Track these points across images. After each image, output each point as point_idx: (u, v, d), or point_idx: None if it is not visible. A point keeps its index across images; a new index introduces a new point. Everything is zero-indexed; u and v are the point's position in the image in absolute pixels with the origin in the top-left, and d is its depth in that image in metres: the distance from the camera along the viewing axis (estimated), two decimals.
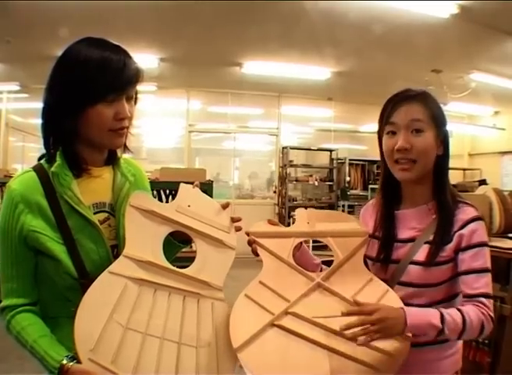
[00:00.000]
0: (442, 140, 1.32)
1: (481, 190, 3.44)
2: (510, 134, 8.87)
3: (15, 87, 7.54)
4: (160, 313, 1.08)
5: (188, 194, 1.28)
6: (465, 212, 1.28)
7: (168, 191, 3.96)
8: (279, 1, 4.42)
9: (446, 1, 4.37)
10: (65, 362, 0.99)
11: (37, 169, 1.14)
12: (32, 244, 1.09)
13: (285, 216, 8.29)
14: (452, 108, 7.39)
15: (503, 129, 8.95)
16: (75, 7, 4.42)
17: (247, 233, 1.30)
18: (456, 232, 1.26)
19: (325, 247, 1.37)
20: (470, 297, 1.21)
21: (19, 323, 1.08)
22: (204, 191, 1.32)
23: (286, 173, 8.62)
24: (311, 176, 8.91)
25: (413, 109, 1.28)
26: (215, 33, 5.46)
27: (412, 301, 1.26)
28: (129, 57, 1.13)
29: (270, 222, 1.36)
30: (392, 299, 1.22)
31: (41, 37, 5.20)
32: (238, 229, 1.28)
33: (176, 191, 1.27)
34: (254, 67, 6.77)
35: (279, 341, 1.11)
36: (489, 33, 5.01)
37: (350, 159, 8.94)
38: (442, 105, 1.36)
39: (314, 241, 1.49)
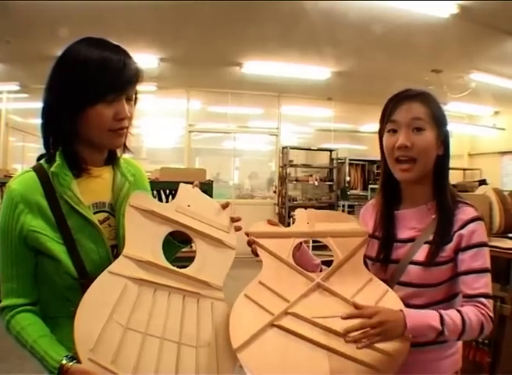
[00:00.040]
0: (443, 140, 1.32)
1: (481, 190, 3.44)
2: (510, 134, 8.87)
3: (15, 87, 7.54)
4: (160, 313, 1.08)
5: (188, 194, 1.28)
6: (465, 213, 1.28)
7: (168, 191, 3.96)
8: (278, 1, 4.42)
9: (446, 1, 4.37)
10: (64, 362, 0.99)
11: (37, 169, 1.14)
12: (32, 244, 1.09)
13: (285, 215, 8.29)
14: (452, 108, 7.39)
15: (503, 129, 8.95)
16: (75, 7, 4.42)
17: (247, 234, 1.30)
18: (455, 232, 1.26)
19: (324, 247, 1.37)
20: (469, 297, 1.21)
21: (19, 323, 1.08)
22: (204, 191, 1.32)
23: (286, 172, 8.62)
24: (311, 176, 8.92)
25: (414, 108, 1.29)
26: (215, 33, 5.46)
27: (412, 301, 1.26)
28: (129, 57, 1.13)
29: (270, 222, 1.36)
30: (392, 299, 1.22)
31: (41, 37, 5.20)
32: (238, 229, 1.28)
33: (176, 191, 1.27)
34: (254, 67, 6.77)
35: (279, 341, 1.11)
36: (489, 33, 5.01)
37: (350, 159, 8.94)
38: (442, 105, 1.36)
39: (314, 241, 1.49)
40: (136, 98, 1.18)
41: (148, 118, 7.99)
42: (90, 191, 1.17)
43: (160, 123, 8.73)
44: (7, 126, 8.29)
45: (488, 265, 1.24)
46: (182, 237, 1.25)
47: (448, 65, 6.13)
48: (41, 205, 1.09)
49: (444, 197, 1.31)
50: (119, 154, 1.26)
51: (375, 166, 8.84)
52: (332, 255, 1.32)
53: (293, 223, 1.40)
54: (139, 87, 1.17)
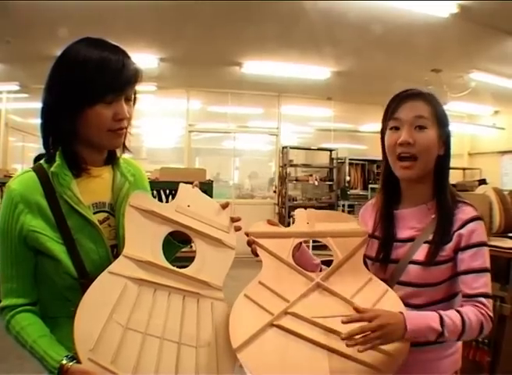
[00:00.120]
0: (445, 140, 1.33)
1: (481, 189, 3.44)
2: (510, 134, 8.86)
3: (15, 87, 7.53)
4: (160, 313, 1.08)
5: (188, 194, 1.28)
6: (464, 212, 1.28)
7: (168, 191, 3.96)
8: (278, 1, 4.42)
9: (446, 1, 4.37)
10: (64, 362, 0.99)
11: (37, 169, 1.14)
12: (32, 244, 1.09)
13: (285, 215, 8.29)
14: (452, 108, 7.38)
15: (503, 128, 8.95)
16: (75, 7, 4.42)
17: (247, 234, 1.30)
18: (455, 232, 1.26)
19: (324, 247, 1.37)
20: (469, 297, 1.21)
21: (19, 323, 1.08)
22: (204, 191, 1.32)
23: (286, 172, 8.62)
24: (310, 175, 8.92)
25: (418, 106, 1.29)
26: (215, 33, 5.46)
27: (411, 300, 1.26)
28: (128, 57, 1.13)
29: (269, 222, 1.36)
30: (391, 299, 1.22)
31: (41, 37, 5.20)
32: (238, 229, 1.28)
33: (176, 191, 1.27)
34: (254, 67, 6.77)
35: (279, 341, 1.12)
36: (489, 32, 5.01)
37: (349, 159, 8.95)
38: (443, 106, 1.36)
39: (313, 241, 1.49)
40: (135, 98, 1.18)
41: (148, 118, 7.99)
42: (90, 191, 1.17)
43: (160, 123, 8.72)
44: (7, 126, 8.29)
45: (487, 264, 1.24)
46: (182, 237, 1.25)
47: (448, 64, 6.13)
48: (41, 205, 1.09)
49: (444, 196, 1.31)
50: (118, 154, 1.26)
51: (375, 165, 8.85)
52: (331, 255, 1.32)
53: (293, 222, 1.40)
54: (138, 88, 1.18)
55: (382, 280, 1.28)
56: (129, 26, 4.98)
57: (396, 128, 1.31)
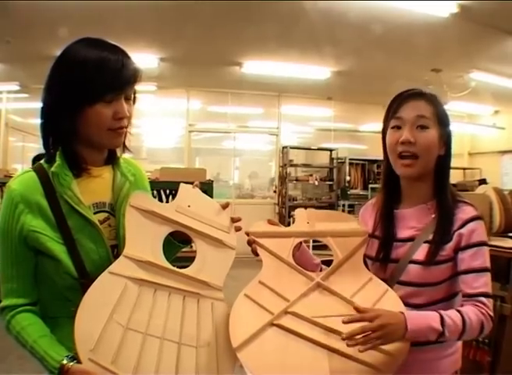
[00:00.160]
0: (446, 140, 1.33)
1: (481, 189, 3.44)
2: (510, 133, 8.86)
3: (15, 87, 7.53)
4: (160, 313, 1.08)
5: (188, 194, 1.28)
6: (464, 212, 1.28)
7: (168, 191, 3.97)
8: (278, 1, 4.42)
9: (446, 1, 4.37)
10: (65, 362, 1.00)
11: (37, 169, 1.14)
12: (32, 244, 1.09)
13: (285, 215, 8.29)
14: (452, 108, 7.37)
15: (503, 128, 8.95)
16: (75, 7, 4.42)
17: (247, 233, 1.30)
18: (455, 231, 1.26)
19: (324, 247, 1.37)
20: (469, 296, 1.21)
21: (19, 323, 1.08)
22: (205, 191, 1.32)
23: (286, 172, 8.62)
24: (311, 175, 8.92)
25: (420, 106, 1.30)
26: (215, 33, 5.46)
27: (411, 300, 1.26)
28: (128, 57, 1.13)
29: (270, 222, 1.36)
30: (391, 299, 1.22)
31: (41, 37, 5.20)
32: (238, 229, 1.28)
33: (176, 191, 1.27)
34: (254, 67, 6.77)
35: (279, 340, 1.12)
36: (489, 32, 5.01)
37: (350, 159, 8.95)
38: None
39: (314, 241, 1.49)
40: (134, 98, 1.18)
41: (148, 118, 8.00)
42: (90, 190, 1.17)
43: (160, 122, 8.73)
44: (7, 126, 8.29)
45: (487, 264, 1.24)
46: (182, 237, 1.25)
47: (448, 64, 6.13)
48: (41, 205, 1.09)
49: (444, 196, 1.31)
50: (118, 154, 1.26)
51: (375, 165, 8.85)
52: (331, 255, 1.32)
53: (293, 222, 1.40)
54: (138, 87, 1.18)
55: (382, 279, 1.28)
56: (129, 26, 4.98)
57: (398, 127, 1.31)
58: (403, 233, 1.33)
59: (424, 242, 1.28)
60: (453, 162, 1.37)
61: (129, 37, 4.77)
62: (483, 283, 1.22)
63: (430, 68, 6.30)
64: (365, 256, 1.36)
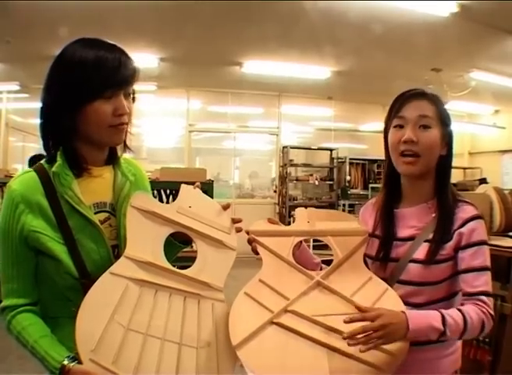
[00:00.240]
0: (447, 141, 1.33)
1: (481, 189, 3.44)
2: (511, 133, 8.86)
3: (15, 87, 7.53)
4: (161, 314, 1.08)
5: (189, 195, 1.28)
6: (465, 211, 1.28)
7: (168, 191, 3.97)
8: (278, 1, 4.42)
9: (446, 0, 4.37)
10: (66, 362, 1.00)
11: (38, 169, 1.14)
12: (32, 245, 1.09)
13: (285, 215, 8.29)
14: (452, 107, 7.37)
15: (503, 127, 8.95)
16: (75, 7, 4.42)
17: (247, 232, 1.31)
18: (455, 230, 1.26)
19: (325, 246, 1.37)
20: (470, 295, 1.22)
21: (20, 323, 1.08)
22: (205, 191, 1.32)
23: (286, 172, 8.62)
24: (311, 175, 8.91)
25: (422, 105, 1.30)
26: (215, 33, 5.46)
27: (412, 299, 1.26)
28: (126, 55, 1.13)
29: (270, 220, 1.37)
30: (391, 298, 1.22)
31: (41, 37, 5.20)
32: (239, 230, 1.28)
33: (177, 191, 1.28)
34: (254, 66, 6.77)
35: (278, 338, 1.12)
36: (489, 31, 5.01)
37: (350, 158, 8.94)
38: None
39: (314, 241, 1.49)
40: (134, 98, 1.18)
41: (148, 118, 8.00)
42: (91, 190, 1.17)
43: (160, 122, 8.72)
44: (7, 126, 8.29)
45: (488, 263, 1.24)
46: (183, 238, 1.26)
47: (448, 63, 6.13)
48: (42, 205, 1.09)
49: (445, 195, 1.32)
50: (119, 153, 1.26)
51: (376, 165, 8.85)
52: (332, 255, 1.33)
53: (294, 222, 1.40)
54: (138, 87, 1.18)
55: (382, 278, 1.29)
56: (129, 26, 4.98)
57: (401, 126, 1.31)
58: (403, 232, 1.33)
59: (425, 241, 1.28)
60: (454, 162, 1.38)
61: (129, 37, 4.78)
62: (483, 282, 1.22)
63: (430, 67, 6.30)
64: (365, 255, 1.36)
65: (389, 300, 1.21)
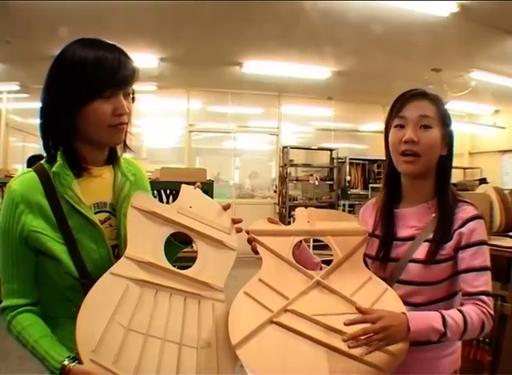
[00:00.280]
0: (448, 141, 1.34)
1: (481, 189, 3.45)
2: (511, 133, 8.86)
3: (15, 87, 7.53)
4: (161, 314, 1.08)
5: (189, 195, 1.28)
6: (465, 211, 1.28)
7: (168, 191, 3.96)
8: (278, 1, 4.42)
9: (446, 0, 4.37)
10: (66, 362, 1.00)
11: (38, 169, 1.14)
12: (33, 245, 1.09)
13: (285, 215, 8.29)
14: (452, 107, 7.36)
15: (503, 127, 8.95)
16: (75, 7, 4.42)
17: (247, 232, 1.31)
18: (455, 230, 1.26)
19: (325, 246, 1.37)
20: (470, 295, 1.22)
21: (20, 323, 1.08)
22: (205, 191, 1.32)
23: (286, 172, 8.62)
24: (311, 175, 8.91)
25: (423, 106, 1.31)
26: (215, 33, 5.46)
27: (411, 299, 1.26)
28: (125, 55, 1.13)
29: (270, 220, 1.37)
30: (391, 298, 1.22)
31: (41, 37, 5.20)
32: (239, 230, 1.28)
33: (177, 191, 1.27)
34: (254, 67, 6.77)
35: (278, 337, 1.11)
36: (489, 31, 5.01)
37: (350, 158, 8.94)
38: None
39: (314, 241, 1.49)
40: (133, 98, 1.18)
41: (148, 118, 8.00)
42: (91, 190, 1.17)
43: (160, 122, 8.72)
44: (7, 126, 8.29)
45: (488, 263, 1.24)
46: (183, 238, 1.26)
47: (448, 64, 6.13)
48: (42, 205, 1.09)
49: (445, 195, 1.32)
50: (119, 153, 1.26)
51: (376, 165, 8.85)
52: (332, 255, 1.33)
53: (294, 221, 1.40)
54: (138, 87, 1.18)
55: (381, 278, 1.28)
56: (129, 26, 4.98)
57: (401, 126, 1.31)
58: (403, 232, 1.34)
59: (425, 241, 1.28)
60: (454, 162, 1.38)
61: (129, 37, 4.78)
62: (483, 281, 1.22)
63: (430, 67, 6.30)
64: (365, 255, 1.36)
65: (388, 300, 1.21)
